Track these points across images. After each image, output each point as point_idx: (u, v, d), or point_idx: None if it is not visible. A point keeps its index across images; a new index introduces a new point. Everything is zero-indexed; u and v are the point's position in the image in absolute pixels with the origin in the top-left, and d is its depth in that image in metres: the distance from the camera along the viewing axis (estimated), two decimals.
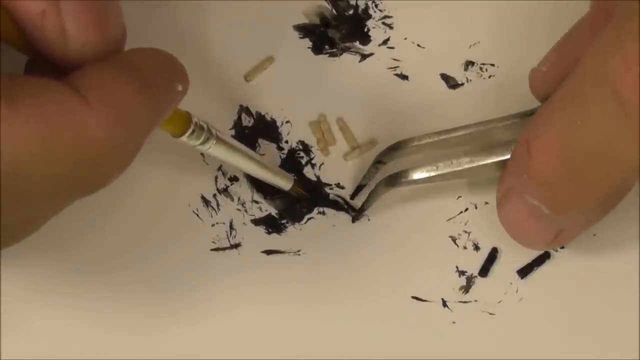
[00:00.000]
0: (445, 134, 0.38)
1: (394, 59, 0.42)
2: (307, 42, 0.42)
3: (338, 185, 0.41)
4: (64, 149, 0.27)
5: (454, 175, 0.37)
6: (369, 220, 0.40)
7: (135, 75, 0.29)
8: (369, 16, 0.43)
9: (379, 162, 0.39)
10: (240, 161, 0.37)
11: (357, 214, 0.40)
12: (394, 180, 0.38)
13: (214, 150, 0.36)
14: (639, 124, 0.30)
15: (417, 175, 0.38)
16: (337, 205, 0.40)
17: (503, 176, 0.36)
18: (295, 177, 0.40)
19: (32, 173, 0.27)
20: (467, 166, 0.37)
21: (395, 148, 0.39)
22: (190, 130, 0.34)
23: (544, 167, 0.34)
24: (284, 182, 0.39)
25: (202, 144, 0.35)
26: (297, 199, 0.40)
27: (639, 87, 0.29)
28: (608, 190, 0.33)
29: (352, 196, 0.40)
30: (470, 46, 0.42)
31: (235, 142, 0.37)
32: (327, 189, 0.41)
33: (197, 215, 0.40)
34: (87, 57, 0.29)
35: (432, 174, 0.37)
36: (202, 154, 0.40)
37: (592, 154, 0.32)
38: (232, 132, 0.41)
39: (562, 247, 0.39)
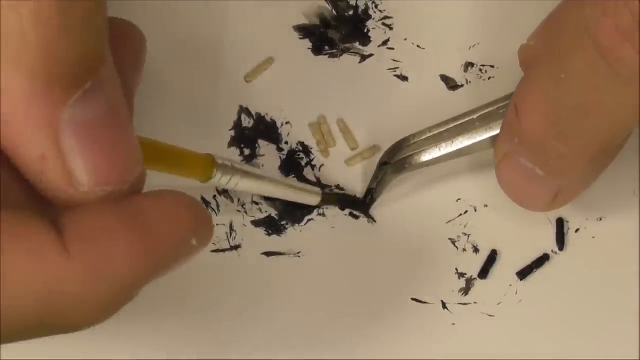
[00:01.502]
0: (445, 125, 0.38)
1: (394, 60, 0.42)
2: (307, 43, 0.42)
3: (338, 187, 0.41)
4: (30, 296, 0.25)
5: (457, 154, 0.37)
6: (368, 222, 0.40)
7: (134, 226, 0.26)
8: (369, 17, 0.42)
9: (384, 163, 0.39)
10: (269, 189, 0.37)
11: (368, 204, 0.40)
12: (400, 166, 0.38)
13: (242, 185, 0.36)
14: (623, 73, 0.30)
15: (422, 158, 0.38)
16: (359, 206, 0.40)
17: (497, 143, 0.36)
18: (324, 192, 0.40)
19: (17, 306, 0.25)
20: (468, 143, 0.37)
21: (397, 147, 0.39)
22: (216, 174, 0.34)
23: (533, 128, 0.33)
24: (313, 199, 0.39)
25: (229, 182, 0.35)
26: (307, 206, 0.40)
27: (619, 35, 0.29)
28: (598, 146, 0.33)
29: (364, 199, 0.40)
30: (470, 47, 0.42)
31: (261, 173, 0.37)
32: (327, 190, 0.41)
33: None
34: (97, 201, 0.26)
35: (436, 155, 0.38)
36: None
37: (578, 109, 0.32)
38: (232, 132, 0.41)
39: (563, 247, 0.39)
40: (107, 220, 0.25)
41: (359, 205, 0.40)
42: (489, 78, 0.42)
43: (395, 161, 0.38)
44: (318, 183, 0.41)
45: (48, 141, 0.24)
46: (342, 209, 0.40)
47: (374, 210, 0.40)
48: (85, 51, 0.24)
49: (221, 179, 0.34)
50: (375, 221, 0.40)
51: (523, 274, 0.39)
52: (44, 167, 0.25)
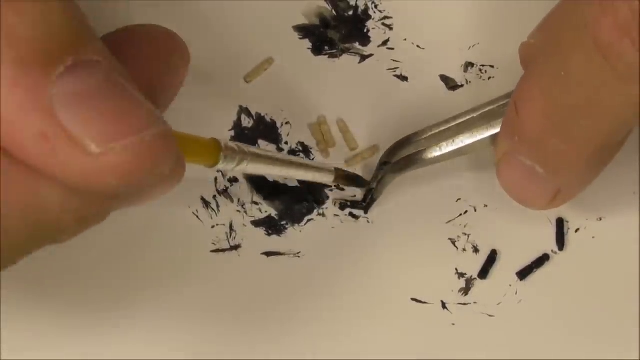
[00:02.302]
0: (445, 124, 0.38)
1: (394, 60, 0.42)
2: (307, 43, 0.42)
3: (338, 187, 0.41)
4: (13, 209, 0.25)
5: (458, 152, 0.37)
6: (368, 222, 0.40)
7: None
8: (369, 17, 0.42)
9: (384, 163, 0.39)
10: (280, 170, 0.36)
11: (368, 204, 0.40)
12: (401, 166, 0.38)
13: (251, 167, 0.35)
14: (623, 70, 0.29)
15: (423, 157, 0.38)
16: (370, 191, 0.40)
17: (497, 141, 0.36)
18: (338, 169, 0.39)
19: None
20: (468, 142, 0.37)
21: (398, 147, 0.39)
22: (222, 158, 0.33)
23: (532, 126, 0.33)
24: (326, 177, 0.38)
25: (237, 165, 0.34)
26: (304, 197, 0.40)
27: (618, 32, 0.29)
28: (597, 144, 0.33)
29: (364, 200, 0.40)
30: (470, 47, 0.42)
31: (270, 152, 0.36)
32: (327, 190, 0.41)
33: (197, 216, 0.40)
34: (123, 161, 0.25)
35: (437, 154, 0.38)
36: None
37: (578, 106, 0.32)
38: (232, 133, 0.41)
39: (563, 247, 0.39)
40: None
41: (365, 195, 0.40)
42: (489, 78, 0.42)
43: (395, 161, 0.38)
44: (318, 183, 0.41)
45: (44, 119, 0.24)
46: (343, 208, 0.40)
47: (374, 210, 0.40)
48: (51, 32, 0.24)
49: (228, 163, 0.33)
50: (376, 224, 0.40)
51: (523, 274, 0.39)
52: (49, 144, 0.24)
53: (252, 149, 0.35)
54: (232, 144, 0.34)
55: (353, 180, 0.40)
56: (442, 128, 0.38)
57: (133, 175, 0.25)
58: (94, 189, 0.25)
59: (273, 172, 0.37)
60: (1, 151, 0.25)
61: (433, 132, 0.38)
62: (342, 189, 0.41)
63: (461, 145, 0.37)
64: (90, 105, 0.25)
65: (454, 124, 0.38)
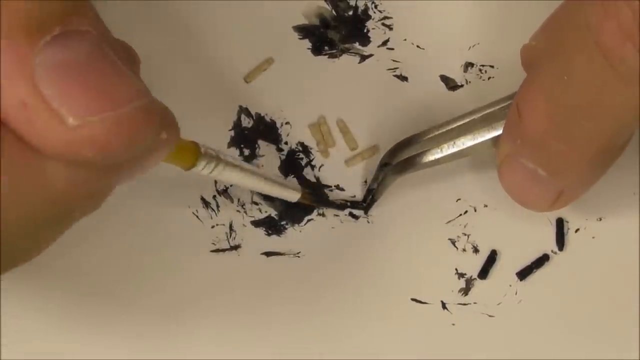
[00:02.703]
0: (447, 126, 0.38)
1: (394, 60, 0.42)
2: (307, 43, 0.42)
3: (338, 187, 0.41)
4: (24, 191, 0.25)
5: (459, 154, 0.37)
6: (368, 222, 0.40)
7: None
8: (369, 17, 0.42)
9: (385, 164, 0.39)
10: (249, 182, 0.36)
11: (368, 204, 0.40)
12: (402, 167, 0.38)
13: (224, 175, 0.35)
14: (625, 73, 0.29)
15: (423, 159, 0.38)
16: (343, 206, 0.40)
17: (499, 143, 0.36)
18: (304, 190, 0.39)
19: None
20: (470, 144, 0.37)
21: (398, 148, 0.39)
22: (200, 162, 0.33)
23: (534, 129, 0.33)
24: (292, 195, 0.39)
25: (212, 171, 0.34)
26: (305, 206, 0.40)
27: (621, 35, 0.29)
28: (600, 146, 0.33)
29: (364, 200, 0.40)
30: (470, 47, 0.42)
31: (244, 164, 0.36)
32: (327, 191, 0.41)
33: (197, 216, 0.40)
34: (99, 135, 0.25)
35: (438, 156, 0.38)
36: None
37: (580, 109, 0.32)
38: (232, 132, 0.41)
39: (562, 247, 0.39)
40: None
41: (335, 203, 0.40)
42: (489, 78, 0.42)
43: (396, 162, 0.38)
44: (318, 183, 0.41)
45: (25, 87, 0.24)
46: (342, 209, 0.40)
47: (374, 210, 0.40)
48: (41, 1, 0.24)
49: (204, 168, 0.33)
50: (376, 225, 0.40)
51: (523, 274, 0.39)
52: (28, 113, 0.24)
53: (229, 158, 0.35)
54: (210, 150, 0.34)
55: (321, 202, 0.40)
56: (443, 130, 0.38)
57: (111, 148, 0.25)
58: (71, 159, 0.25)
59: (245, 184, 0.37)
60: (1, 130, 0.25)
61: (434, 134, 0.38)
62: (342, 189, 0.41)
63: (462, 147, 0.37)
64: (72, 76, 0.25)
65: (455, 125, 0.38)
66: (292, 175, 0.40)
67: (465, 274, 0.39)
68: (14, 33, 0.24)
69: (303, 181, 0.41)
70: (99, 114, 0.25)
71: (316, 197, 0.40)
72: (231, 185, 0.40)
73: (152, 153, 0.28)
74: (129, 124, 0.25)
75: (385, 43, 0.42)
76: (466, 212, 0.40)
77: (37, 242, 0.28)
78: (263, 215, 0.40)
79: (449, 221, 0.40)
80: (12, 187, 0.25)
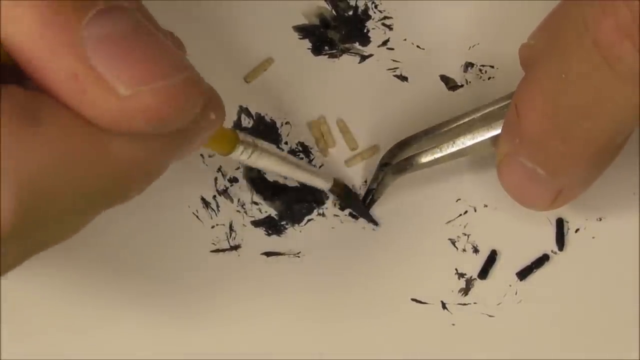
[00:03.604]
0: (446, 125, 0.38)
1: (394, 60, 0.42)
2: (307, 43, 0.42)
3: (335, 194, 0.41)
4: (87, 167, 0.26)
5: (458, 154, 0.38)
6: (373, 228, 0.40)
7: None
8: (369, 17, 0.42)
9: (385, 164, 0.39)
10: (284, 169, 0.37)
11: (368, 204, 0.40)
12: (401, 167, 0.38)
13: (260, 161, 0.36)
14: (623, 72, 0.29)
15: (423, 159, 0.38)
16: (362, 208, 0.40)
17: (498, 142, 0.36)
18: (336, 179, 0.40)
19: (56, 192, 0.26)
20: (469, 143, 0.37)
21: (398, 148, 0.39)
22: (238, 147, 0.34)
23: (533, 128, 0.33)
24: (324, 184, 0.39)
25: (249, 157, 0.35)
26: (304, 197, 0.40)
27: (619, 34, 0.29)
28: (598, 145, 0.33)
29: (364, 200, 0.40)
30: (470, 48, 0.42)
31: (279, 152, 0.37)
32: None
33: (197, 216, 0.40)
34: (151, 104, 0.26)
35: (437, 156, 0.38)
36: (201, 155, 0.40)
37: (578, 108, 0.32)
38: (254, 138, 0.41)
39: (562, 247, 0.39)
40: None
41: (361, 207, 0.40)
42: (489, 78, 0.42)
43: (396, 162, 0.38)
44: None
45: (75, 60, 0.25)
46: (343, 208, 0.40)
47: (374, 210, 0.40)
48: None
49: (242, 154, 0.35)
50: (377, 224, 0.40)
51: (523, 274, 0.39)
52: (79, 84, 0.25)
53: (265, 144, 0.36)
54: (249, 137, 0.35)
55: (348, 196, 0.40)
56: (443, 129, 0.38)
57: (161, 117, 0.26)
58: (122, 129, 0.26)
59: (279, 170, 0.37)
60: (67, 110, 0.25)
61: (433, 134, 0.38)
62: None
63: (462, 146, 0.37)
64: (120, 48, 0.25)
65: (454, 125, 0.38)
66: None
67: (465, 274, 0.39)
68: (61, 8, 0.25)
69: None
70: (149, 84, 0.25)
71: (346, 190, 0.40)
72: (231, 185, 0.40)
73: (201, 132, 0.29)
74: (179, 94, 0.26)
75: (385, 43, 0.42)
76: (466, 212, 0.40)
77: (87, 217, 0.28)
78: (263, 215, 0.40)
79: (449, 221, 0.40)
80: (72, 162, 0.25)
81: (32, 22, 0.25)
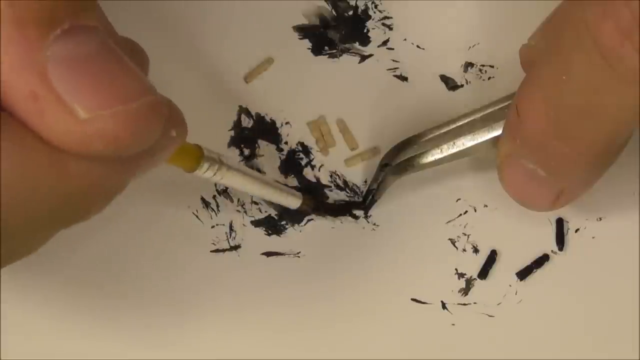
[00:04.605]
0: (446, 126, 0.38)
1: (394, 60, 0.42)
2: (307, 43, 0.42)
3: (337, 187, 0.41)
4: (44, 185, 0.25)
5: (459, 155, 0.38)
6: (368, 222, 0.40)
7: None
8: (369, 17, 0.42)
9: (385, 165, 0.39)
10: (250, 187, 0.37)
11: (368, 204, 0.40)
12: (402, 168, 0.38)
13: (225, 180, 0.35)
14: (624, 73, 0.29)
15: (423, 160, 0.38)
16: (343, 211, 0.40)
17: (499, 143, 0.36)
18: (305, 196, 0.39)
19: (12, 210, 0.25)
20: (469, 144, 0.37)
21: (399, 149, 0.39)
22: (202, 165, 0.33)
23: (534, 129, 0.33)
24: (293, 202, 0.39)
25: (214, 174, 0.34)
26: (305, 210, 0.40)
27: (620, 35, 0.29)
28: (599, 147, 0.33)
29: (364, 201, 0.40)
30: (470, 47, 0.42)
31: (246, 169, 0.37)
32: (327, 191, 0.41)
33: (197, 216, 0.40)
34: (110, 128, 0.25)
35: (437, 157, 0.38)
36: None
37: (579, 109, 0.32)
38: (232, 132, 0.41)
39: (562, 247, 0.39)
40: None
41: (338, 208, 0.40)
42: (489, 78, 0.42)
43: (396, 163, 0.38)
44: (318, 183, 0.41)
45: (35, 80, 0.24)
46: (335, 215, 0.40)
47: (374, 210, 0.40)
48: None
49: (206, 171, 0.34)
50: (376, 225, 0.40)
51: (523, 274, 0.39)
52: (39, 105, 0.25)
53: (231, 162, 0.35)
54: (213, 154, 0.34)
55: (323, 206, 0.40)
56: (443, 130, 0.38)
57: (121, 142, 0.26)
58: (81, 152, 0.26)
59: (246, 189, 0.37)
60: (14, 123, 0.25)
61: (434, 135, 0.38)
62: (342, 189, 0.41)
63: (462, 147, 0.37)
64: (83, 70, 0.25)
65: (454, 126, 0.38)
66: (292, 175, 0.40)
67: (465, 274, 0.39)
68: (25, 26, 0.24)
69: (303, 181, 0.41)
70: (109, 108, 0.25)
71: (317, 203, 0.40)
72: None
73: (162, 150, 0.29)
74: (139, 119, 0.26)
75: (385, 43, 0.42)
76: (466, 212, 0.40)
77: (44, 237, 0.28)
78: (263, 215, 0.40)
79: (449, 221, 0.40)
80: (29, 180, 0.25)
81: None
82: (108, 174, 0.27)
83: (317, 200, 0.40)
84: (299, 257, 0.40)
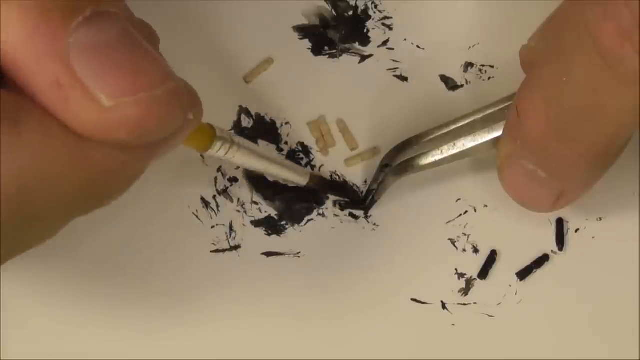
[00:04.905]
0: (447, 127, 0.38)
1: (394, 60, 0.42)
2: (307, 43, 0.42)
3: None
4: (67, 172, 0.26)
5: (459, 156, 0.38)
6: (368, 222, 0.40)
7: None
8: (369, 17, 0.42)
9: (385, 165, 0.39)
10: (261, 164, 0.37)
11: (368, 204, 0.40)
12: (402, 169, 0.38)
13: (237, 158, 0.35)
14: (624, 74, 0.29)
15: (424, 161, 0.38)
16: (347, 192, 0.40)
17: (499, 144, 0.36)
18: (312, 173, 0.40)
19: (36, 196, 0.26)
20: (470, 145, 0.37)
21: (399, 149, 0.39)
22: (215, 143, 0.34)
23: (534, 130, 0.33)
24: (301, 179, 0.39)
25: (226, 153, 0.35)
26: (304, 197, 0.40)
27: (620, 36, 0.29)
28: (599, 148, 0.33)
29: (364, 201, 0.40)
30: (470, 48, 0.42)
31: (256, 147, 0.37)
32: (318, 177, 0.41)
33: (197, 216, 0.40)
34: (134, 115, 0.25)
35: (438, 158, 0.38)
36: (201, 155, 0.40)
37: (580, 110, 0.32)
38: (232, 133, 0.41)
39: (562, 248, 0.39)
40: None
41: (344, 188, 0.40)
42: (489, 78, 0.42)
43: (396, 164, 0.38)
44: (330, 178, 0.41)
45: (59, 68, 0.25)
46: (343, 208, 0.40)
47: (374, 210, 0.40)
48: None
49: (219, 150, 0.34)
50: (376, 225, 0.40)
51: (523, 274, 0.39)
52: (62, 92, 0.25)
53: (242, 140, 0.36)
54: (225, 133, 0.34)
55: (328, 186, 0.40)
56: (443, 131, 0.38)
57: (144, 129, 0.26)
58: (104, 139, 0.26)
59: (256, 167, 0.37)
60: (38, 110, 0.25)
61: (434, 135, 0.38)
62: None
63: (463, 148, 0.37)
64: (105, 57, 0.25)
65: (455, 127, 0.38)
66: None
67: (465, 274, 0.39)
68: (49, 14, 0.24)
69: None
70: (132, 95, 0.25)
71: (324, 181, 0.40)
72: (232, 185, 0.40)
73: (180, 132, 0.29)
74: (162, 105, 0.26)
75: (385, 43, 0.42)
76: (466, 212, 0.40)
77: (64, 222, 0.28)
78: (263, 215, 0.40)
79: (449, 221, 0.40)
80: (53, 167, 0.25)
81: (19, 26, 0.24)
82: (129, 161, 0.27)
83: (323, 178, 0.40)
84: (299, 257, 0.40)
